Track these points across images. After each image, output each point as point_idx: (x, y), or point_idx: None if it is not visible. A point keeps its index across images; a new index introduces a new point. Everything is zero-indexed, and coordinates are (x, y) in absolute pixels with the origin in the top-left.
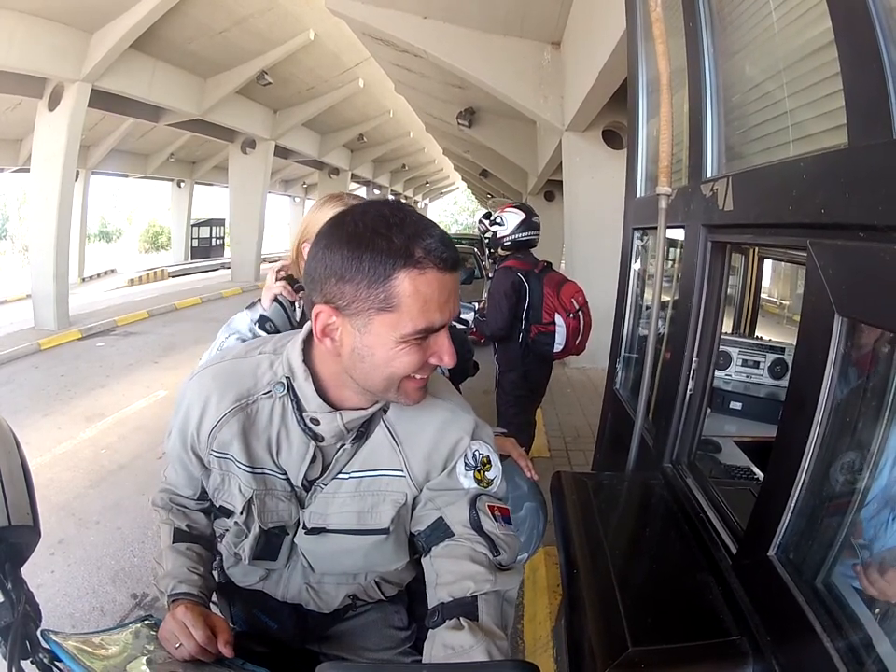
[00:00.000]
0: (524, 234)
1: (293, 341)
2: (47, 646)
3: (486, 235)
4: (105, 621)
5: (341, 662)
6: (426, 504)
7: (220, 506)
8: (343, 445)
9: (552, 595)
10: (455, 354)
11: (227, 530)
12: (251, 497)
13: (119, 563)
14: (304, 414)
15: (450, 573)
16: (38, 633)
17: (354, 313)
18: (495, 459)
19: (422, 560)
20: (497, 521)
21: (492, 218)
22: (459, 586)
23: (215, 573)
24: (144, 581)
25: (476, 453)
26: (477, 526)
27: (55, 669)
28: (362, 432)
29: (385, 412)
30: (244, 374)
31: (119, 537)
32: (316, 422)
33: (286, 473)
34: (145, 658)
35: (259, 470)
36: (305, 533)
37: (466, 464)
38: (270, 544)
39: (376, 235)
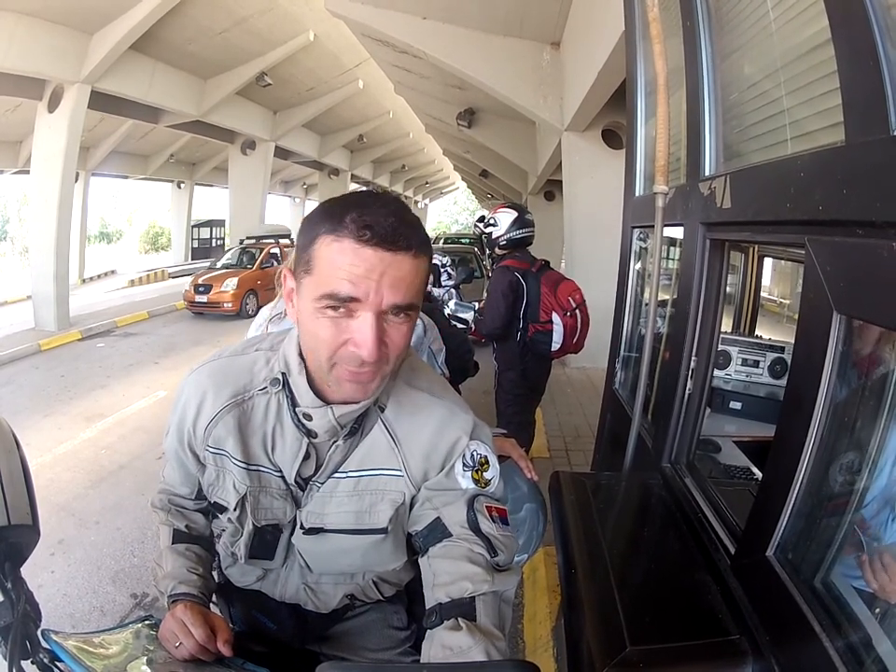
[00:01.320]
0: (518, 232)
1: (290, 335)
2: (47, 646)
3: (483, 237)
4: (105, 621)
5: (341, 662)
6: (423, 504)
7: (214, 502)
8: (335, 442)
9: (551, 594)
10: (375, 347)
11: (223, 530)
12: (245, 494)
13: (119, 563)
14: (297, 410)
15: (447, 574)
16: (38, 633)
17: (297, 276)
18: (493, 460)
19: (419, 560)
20: (494, 522)
21: (486, 220)
22: (457, 587)
23: (214, 574)
24: (144, 581)
25: (474, 453)
26: (475, 527)
27: (55, 669)
28: (356, 429)
29: (383, 410)
30: (240, 371)
31: (118, 537)
32: (309, 417)
33: (280, 471)
34: (145, 658)
35: (254, 467)
36: (303, 533)
37: (464, 464)
38: (265, 542)
39: (327, 207)
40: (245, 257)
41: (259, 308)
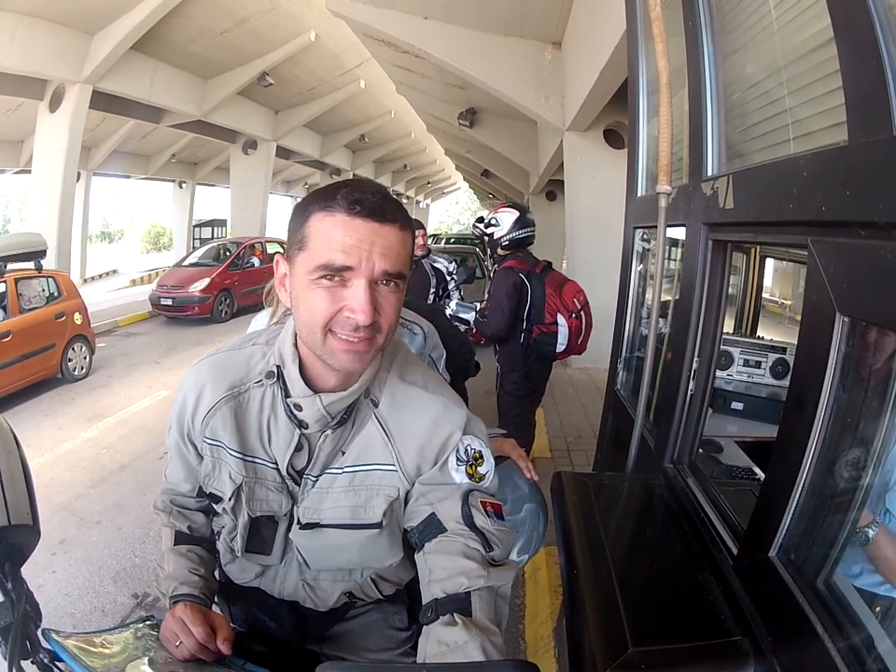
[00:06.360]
0: (520, 232)
1: (286, 328)
2: (47, 645)
3: (483, 238)
4: (107, 621)
5: (341, 662)
6: (418, 499)
7: (210, 492)
8: (324, 432)
9: (553, 595)
10: (370, 311)
11: (223, 526)
12: (240, 484)
13: (121, 563)
14: (289, 401)
15: (443, 569)
16: (39, 632)
17: (290, 257)
18: (487, 454)
19: (415, 556)
20: (489, 516)
21: (487, 220)
22: (452, 582)
23: (215, 574)
24: (145, 582)
25: (468, 447)
26: (469, 522)
27: (56, 669)
28: (345, 419)
29: (377, 405)
30: (237, 364)
31: (120, 537)
32: (299, 408)
33: (276, 462)
34: (146, 658)
35: (250, 458)
36: (300, 528)
37: (458, 458)
38: (261, 535)
39: (318, 190)
40: None
41: None
